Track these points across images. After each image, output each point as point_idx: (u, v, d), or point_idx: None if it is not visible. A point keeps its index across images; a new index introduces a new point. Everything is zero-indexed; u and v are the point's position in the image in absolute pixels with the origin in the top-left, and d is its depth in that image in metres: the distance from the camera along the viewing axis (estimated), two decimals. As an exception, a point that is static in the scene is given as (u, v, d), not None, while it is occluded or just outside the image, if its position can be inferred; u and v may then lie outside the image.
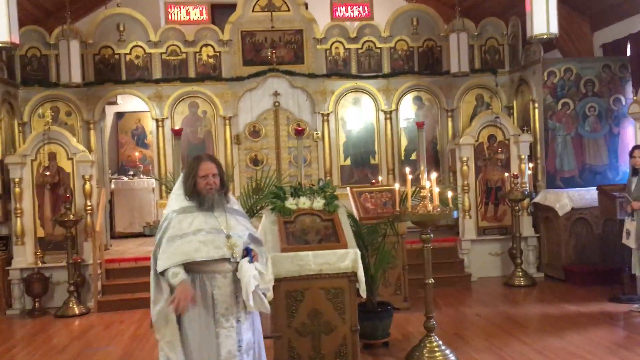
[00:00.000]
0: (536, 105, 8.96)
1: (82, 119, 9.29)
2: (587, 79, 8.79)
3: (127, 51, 9.42)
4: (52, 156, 8.25)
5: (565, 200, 8.37)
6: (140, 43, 9.43)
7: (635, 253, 6.60)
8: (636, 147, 6.87)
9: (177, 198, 3.73)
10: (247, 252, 3.63)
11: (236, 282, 3.60)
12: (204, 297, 3.58)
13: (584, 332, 6.00)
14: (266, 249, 4.57)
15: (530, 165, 8.87)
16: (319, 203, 4.90)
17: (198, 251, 3.52)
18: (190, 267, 3.55)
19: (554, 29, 7.02)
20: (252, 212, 5.98)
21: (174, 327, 3.58)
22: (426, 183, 5.18)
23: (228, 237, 3.61)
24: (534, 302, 7.45)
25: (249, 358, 3.66)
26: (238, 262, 3.59)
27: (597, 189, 7.86)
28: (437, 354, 5.22)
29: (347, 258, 4.57)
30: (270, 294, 4.34)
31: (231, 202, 3.80)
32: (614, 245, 8.08)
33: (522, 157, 8.91)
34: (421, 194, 5.19)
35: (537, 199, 8.79)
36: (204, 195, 3.64)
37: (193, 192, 3.67)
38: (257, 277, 3.55)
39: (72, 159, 8.28)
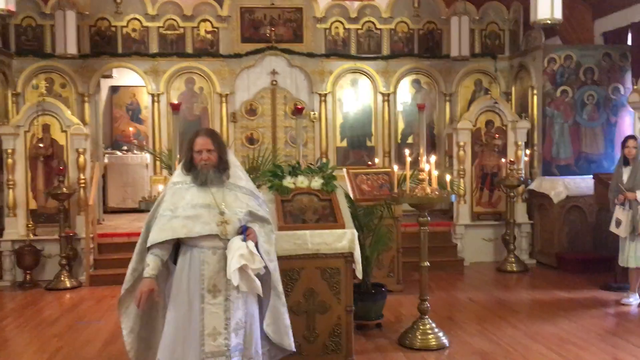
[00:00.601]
0: (535, 91, 8.93)
1: (76, 91, 9.17)
2: (587, 67, 8.75)
3: (124, 24, 9.29)
4: (46, 128, 8.15)
5: (560, 187, 8.39)
6: (137, 16, 9.30)
7: (624, 243, 6.54)
8: (630, 137, 6.82)
9: (177, 172, 3.75)
10: (242, 230, 3.57)
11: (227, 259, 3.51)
12: (193, 272, 3.53)
13: (575, 318, 6.04)
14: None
15: (527, 151, 8.86)
16: (317, 182, 4.86)
17: (184, 227, 3.48)
18: (183, 240, 3.54)
19: (558, 14, 6.98)
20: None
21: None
22: (425, 166, 5.16)
23: (222, 213, 3.55)
24: (526, 288, 7.49)
25: (237, 338, 3.55)
26: (229, 240, 3.53)
27: (593, 177, 7.88)
28: (430, 336, 5.24)
29: (344, 238, 4.55)
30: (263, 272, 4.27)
31: (235, 178, 3.71)
32: (607, 234, 8.07)
33: (519, 143, 8.90)
34: (420, 177, 5.17)
35: (532, 186, 8.80)
36: (199, 170, 3.61)
37: (190, 166, 3.65)
38: (245, 255, 3.44)
39: (66, 131, 8.19)
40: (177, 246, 3.61)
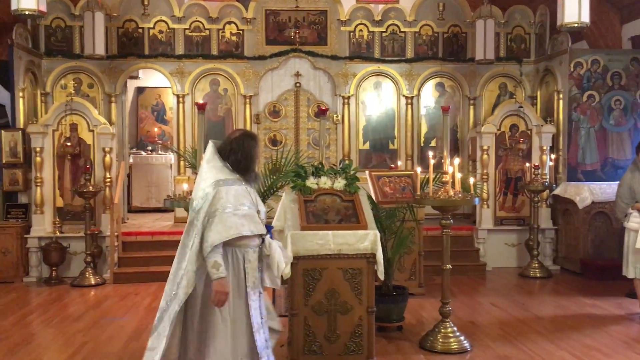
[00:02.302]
0: (561, 96, 8.84)
1: (103, 91, 9.31)
2: (614, 72, 8.64)
3: (151, 25, 9.42)
4: (74, 127, 8.31)
5: (585, 193, 8.27)
6: (164, 18, 9.42)
7: None
8: None
9: (217, 169, 3.69)
10: (267, 229, 3.76)
11: (261, 256, 3.73)
12: (237, 270, 3.66)
13: (600, 325, 5.95)
14: (286, 227, 4.66)
15: (552, 156, 8.77)
16: (339, 183, 4.88)
17: (243, 226, 3.59)
18: (226, 241, 3.57)
19: (586, 18, 6.89)
20: (271, 191, 5.97)
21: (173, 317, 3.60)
22: (449, 168, 5.14)
23: (258, 212, 3.74)
24: (550, 294, 7.40)
25: (267, 330, 3.80)
26: (264, 238, 3.72)
27: (619, 183, 7.75)
28: (452, 339, 5.21)
29: (367, 239, 4.55)
30: (288, 271, 4.39)
31: None
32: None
33: (544, 148, 8.82)
34: (443, 179, 5.15)
35: (557, 191, 8.70)
36: (257, 173, 3.81)
37: (250, 169, 3.73)
38: (283, 255, 3.76)
39: (93, 130, 8.34)
40: None
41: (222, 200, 3.56)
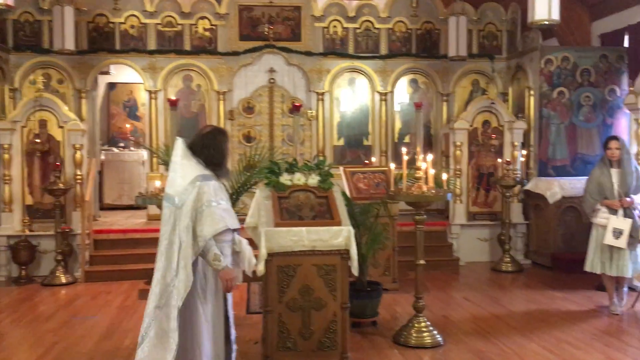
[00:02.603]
0: (532, 92, 8.97)
1: (74, 87, 9.15)
2: (583, 69, 8.79)
3: (122, 20, 9.28)
4: (43, 123, 8.15)
5: (556, 188, 8.41)
6: (135, 12, 9.28)
7: (624, 254, 6.07)
8: (611, 137, 6.39)
9: (193, 165, 3.70)
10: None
11: (233, 252, 3.78)
12: None
13: (570, 318, 6.07)
14: (259, 224, 4.67)
15: (523, 152, 8.89)
16: (313, 180, 4.88)
17: (227, 220, 3.64)
18: None
19: (556, 15, 7.00)
20: (244, 188, 5.94)
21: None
22: (422, 164, 5.17)
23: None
24: (521, 288, 7.51)
25: None
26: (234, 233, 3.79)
27: (588, 178, 7.89)
28: (425, 334, 5.26)
29: (341, 235, 4.56)
30: (262, 268, 4.39)
31: None
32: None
33: (516, 144, 8.93)
34: (416, 175, 5.18)
35: (528, 186, 8.83)
36: (227, 169, 3.88)
37: (223, 164, 3.79)
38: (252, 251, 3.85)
39: (62, 127, 8.18)
40: None
41: (206, 195, 3.60)
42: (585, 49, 8.95)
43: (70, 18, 8.61)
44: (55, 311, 6.48)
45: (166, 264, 3.58)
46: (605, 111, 8.84)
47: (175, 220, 3.59)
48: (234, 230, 3.76)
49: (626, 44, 8.63)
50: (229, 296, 3.83)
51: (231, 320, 3.85)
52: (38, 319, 6.19)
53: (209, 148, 3.75)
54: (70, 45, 8.62)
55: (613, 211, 6.15)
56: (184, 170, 3.67)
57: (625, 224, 6.04)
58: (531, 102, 8.99)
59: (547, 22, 7.10)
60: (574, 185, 8.44)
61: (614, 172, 6.20)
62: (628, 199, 6.10)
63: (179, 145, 3.77)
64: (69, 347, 5.27)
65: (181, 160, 3.72)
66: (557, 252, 8.43)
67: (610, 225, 6.10)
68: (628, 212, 6.12)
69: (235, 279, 3.68)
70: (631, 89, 7.99)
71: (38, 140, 8.06)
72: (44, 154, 8.15)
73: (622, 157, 6.17)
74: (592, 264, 6.33)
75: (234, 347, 3.90)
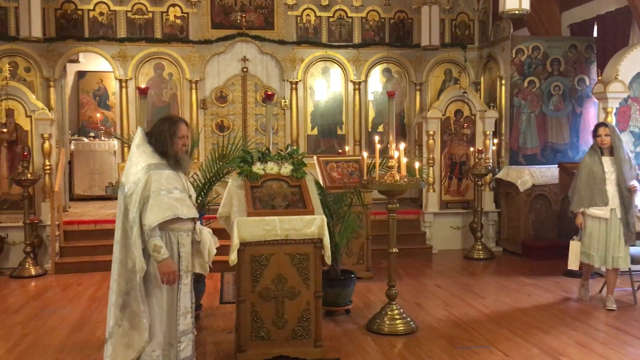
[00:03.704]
0: (503, 82, 9.06)
1: (41, 75, 8.97)
2: (553, 58, 8.90)
3: (91, 7, 9.11)
4: (10, 112, 7.96)
5: (526, 176, 8.54)
6: (104, -1, 9.12)
7: (620, 246, 5.88)
8: (600, 124, 6.16)
9: (146, 154, 3.71)
10: (199, 216, 3.92)
11: (194, 241, 3.80)
12: (171, 254, 3.66)
13: (539, 303, 6.18)
14: (232, 213, 4.63)
15: (495, 141, 8.99)
16: (286, 169, 4.86)
17: (178, 208, 3.63)
18: (160, 224, 3.59)
19: (526, 5, 7.06)
20: (217, 177, 5.90)
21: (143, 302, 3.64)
22: (395, 153, 5.19)
23: (189, 197, 3.81)
24: (492, 275, 7.63)
25: (193, 315, 3.91)
26: (196, 222, 3.79)
27: (558, 166, 8.04)
28: (398, 321, 5.31)
29: (314, 224, 4.55)
30: (234, 258, 4.38)
31: None
32: (571, 222, 8.27)
33: (487, 133, 9.02)
34: (389, 164, 5.20)
35: (499, 175, 8.94)
36: (180, 156, 3.76)
37: (169, 152, 3.73)
38: (213, 240, 3.86)
39: (30, 116, 8.01)
40: None
41: (155, 184, 3.60)
42: (555, 38, 9.06)
43: (37, 5, 8.41)
44: (24, 303, 6.37)
45: (124, 253, 3.62)
46: (575, 100, 8.98)
47: (125, 209, 3.61)
48: (194, 219, 3.77)
49: (595, 34, 8.75)
50: (186, 285, 3.78)
51: (180, 311, 3.76)
52: (7, 311, 6.08)
53: (152, 136, 3.77)
54: (37, 32, 8.43)
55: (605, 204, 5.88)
56: (137, 159, 3.69)
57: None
58: (502, 92, 9.08)
59: (517, 12, 7.16)
60: (544, 173, 8.60)
61: (606, 160, 5.93)
62: (632, 183, 5.80)
63: (138, 134, 3.80)
64: (39, 340, 5.20)
65: (137, 150, 3.73)
66: (527, 240, 8.57)
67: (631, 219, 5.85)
68: (626, 203, 5.84)
69: (175, 273, 3.60)
70: (599, 78, 8.11)
71: (5, 130, 7.87)
72: (10, 144, 7.96)
73: (613, 144, 5.90)
74: (593, 258, 6.00)
75: (184, 337, 3.80)
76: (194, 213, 3.75)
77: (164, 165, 3.70)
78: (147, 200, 3.57)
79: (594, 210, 5.97)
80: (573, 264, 6.16)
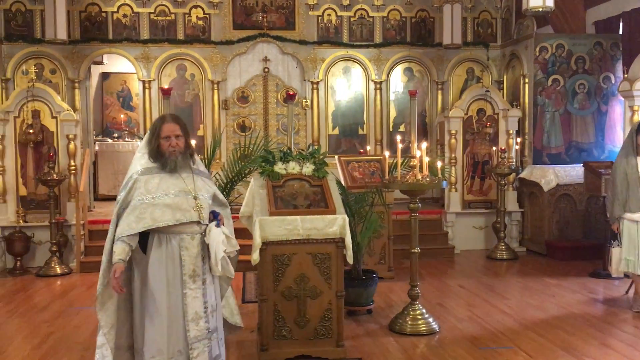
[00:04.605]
0: (526, 80, 8.95)
1: (66, 77, 9.10)
2: (578, 56, 8.77)
3: (115, 9, 9.21)
4: (36, 114, 8.09)
5: (550, 176, 8.44)
6: (128, 1, 9.23)
7: None
8: None
9: (141, 158, 3.61)
10: (214, 216, 3.61)
11: (203, 244, 3.56)
12: (171, 258, 3.51)
13: (564, 305, 6.09)
14: (254, 213, 4.62)
15: (518, 140, 8.89)
16: (308, 168, 4.86)
17: (164, 215, 3.44)
18: (157, 228, 3.47)
19: (550, 2, 6.97)
20: (239, 177, 5.94)
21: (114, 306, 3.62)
22: (417, 152, 5.16)
23: (195, 198, 3.57)
24: (516, 275, 7.54)
25: (214, 320, 3.64)
26: (206, 225, 3.57)
27: (583, 166, 7.92)
28: (420, 321, 5.28)
29: (335, 224, 4.55)
30: (256, 257, 4.38)
31: (197, 164, 3.75)
32: (596, 222, 8.21)
33: (510, 132, 8.93)
34: (411, 163, 5.18)
35: (523, 174, 8.84)
36: (167, 157, 3.56)
37: (157, 154, 3.58)
38: (225, 242, 3.52)
39: (56, 117, 8.14)
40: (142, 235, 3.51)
41: (139, 190, 3.49)
42: (579, 36, 8.93)
43: (62, 7, 8.52)
44: (50, 302, 6.47)
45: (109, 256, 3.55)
46: (600, 98, 8.84)
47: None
48: (198, 222, 3.55)
49: (620, 31, 8.61)
50: (194, 290, 3.55)
51: (189, 316, 3.53)
52: (33, 309, 6.19)
53: (148, 139, 3.64)
54: (62, 35, 8.55)
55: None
56: (133, 163, 3.63)
57: None
58: (526, 90, 8.98)
59: (541, 10, 7.08)
60: (569, 173, 8.49)
61: None
62: None
63: (144, 137, 3.74)
64: (65, 338, 5.27)
65: (137, 153, 3.67)
66: (552, 240, 8.46)
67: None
68: None
69: (116, 280, 3.36)
70: (625, 76, 7.99)
71: (31, 131, 8.01)
72: (37, 145, 8.10)
73: None
74: (629, 263, 5.81)
75: (197, 345, 3.55)
76: (192, 217, 3.51)
77: (156, 168, 3.56)
78: (127, 207, 3.48)
79: (630, 215, 5.80)
80: (616, 271, 5.98)
